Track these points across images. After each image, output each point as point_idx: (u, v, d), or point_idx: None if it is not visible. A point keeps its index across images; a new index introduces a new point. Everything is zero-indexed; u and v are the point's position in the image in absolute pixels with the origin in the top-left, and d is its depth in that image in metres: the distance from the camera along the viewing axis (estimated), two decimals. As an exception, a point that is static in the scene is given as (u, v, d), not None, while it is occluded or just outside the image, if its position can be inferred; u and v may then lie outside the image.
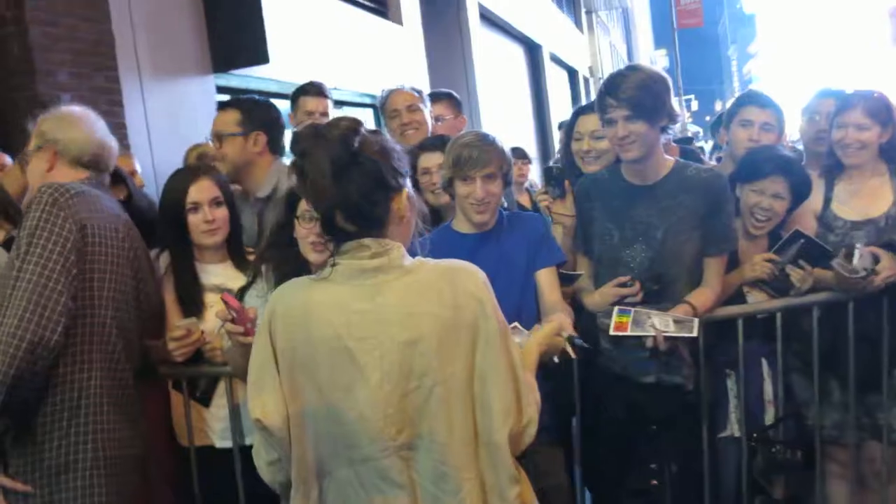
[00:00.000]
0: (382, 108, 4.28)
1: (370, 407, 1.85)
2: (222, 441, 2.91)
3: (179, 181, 2.90)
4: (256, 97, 3.64)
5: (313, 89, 4.41)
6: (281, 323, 1.90)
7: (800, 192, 3.22)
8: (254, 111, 3.40)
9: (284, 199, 2.77)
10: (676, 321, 2.75)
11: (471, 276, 1.94)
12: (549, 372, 2.92)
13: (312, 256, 2.63)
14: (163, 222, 2.93)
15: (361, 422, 1.85)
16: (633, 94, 2.77)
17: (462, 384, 1.88)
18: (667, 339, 2.71)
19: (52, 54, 4.74)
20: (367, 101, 9.86)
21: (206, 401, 2.92)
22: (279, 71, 6.92)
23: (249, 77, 6.81)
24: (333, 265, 1.90)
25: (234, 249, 2.97)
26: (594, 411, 3.13)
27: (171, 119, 5.72)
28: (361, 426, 1.86)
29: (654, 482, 2.97)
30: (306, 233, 2.62)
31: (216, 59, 6.36)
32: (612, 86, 2.84)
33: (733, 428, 3.16)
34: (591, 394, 3.12)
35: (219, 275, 2.93)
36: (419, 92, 4.25)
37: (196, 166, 3.03)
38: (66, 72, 4.83)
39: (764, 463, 3.07)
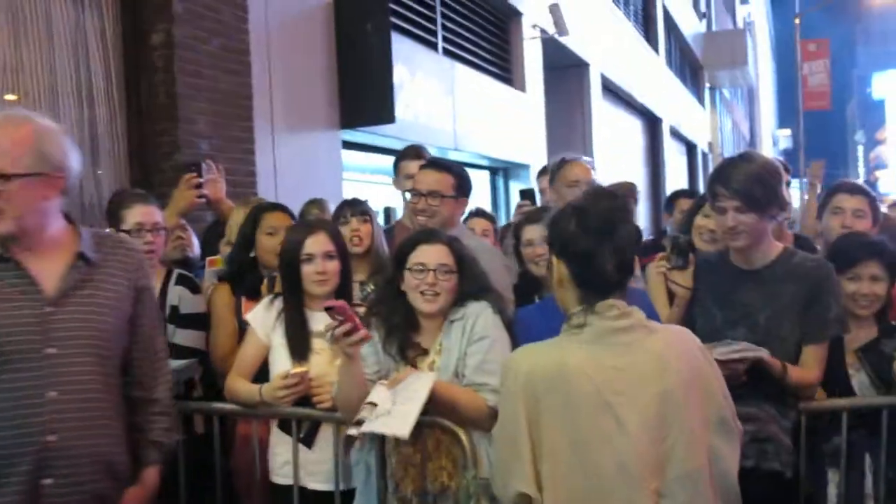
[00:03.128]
0: (556, 173, 4.38)
1: (631, 456, 1.99)
2: (321, 483, 3.03)
3: (298, 233, 3.12)
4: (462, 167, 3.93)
5: (412, 153, 4.57)
6: (538, 384, 2.04)
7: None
8: (465, 180, 3.71)
9: (394, 257, 2.95)
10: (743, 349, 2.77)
11: (693, 339, 2.20)
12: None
13: (423, 306, 2.80)
14: (280, 270, 3.15)
15: (621, 471, 1.98)
16: (745, 185, 2.79)
17: (699, 434, 2.06)
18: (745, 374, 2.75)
19: (194, 103, 5.05)
20: (486, 163, 10.05)
21: (309, 442, 3.03)
22: (403, 130, 7.14)
23: (375, 134, 7.04)
24: (582, 325, 2.08)
25: (341, 299, 3.10)
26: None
27: (298, 169, 5.98)
28: (621, 476, 1.99)
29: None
30: (417, 283, 2.79)
31: (344, 115, 6.64)
32: (724, 175, 2.87)
33: None
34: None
35: (324, 320, 3.06)
36: (593, 165, 4.45)
37: (314, 221, 3.23)
38: (205, 120, 5.14)
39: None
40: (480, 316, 2.84)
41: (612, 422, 2.00)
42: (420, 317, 2.89)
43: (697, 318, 3.08)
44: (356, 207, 3.81)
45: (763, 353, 2.77)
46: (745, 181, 2.80)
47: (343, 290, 3.14)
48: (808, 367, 2.93)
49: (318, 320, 3.06)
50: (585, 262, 2.09)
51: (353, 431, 2.66)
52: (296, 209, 4.28)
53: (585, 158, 4.42)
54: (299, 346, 3.06)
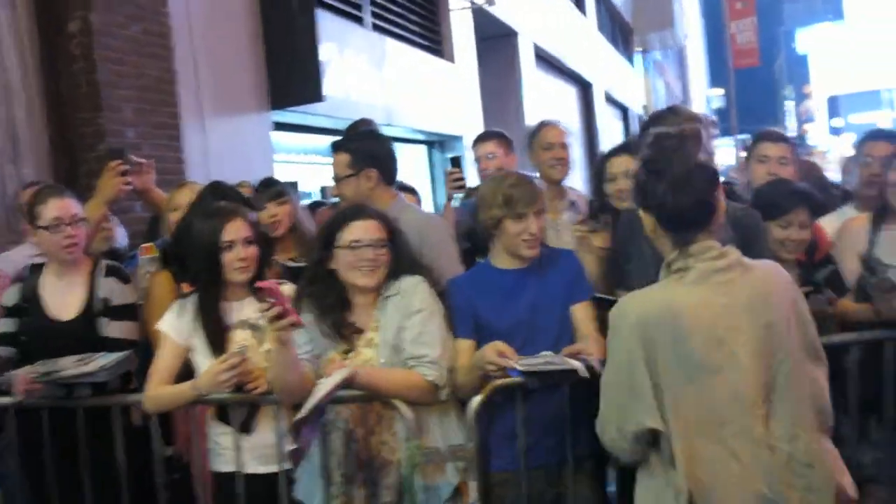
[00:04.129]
0: (534, 137, 4.37)
1: (743, 385, 2.15)
2: (263, 465, 3.01)
3: (214, 220, 3.02)
4: (362, 133, 3.84)
5: (361, 126, 4.55)
6: (652, 326, 2.18)
7: (820, 215, 3.38)
8: (361, 149, 3.55)
9: (320, 237, 2.95)
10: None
11: (784, 273, 2.34)
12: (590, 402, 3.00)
13: (362, 281, 2.83)
14: (196, 260, 3.04)
15: (735, 399, 2.14)
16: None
17: (801, 360, 2.24)
18: None
19: (117, 90, 4.96)
20: (421, 137, 10.03)
21: (248, 428, 3.03)
22: (334, 108, 7.09)
23: (305, 114, 6.99)
24: (686, 268, 2.21)
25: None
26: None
27: (229, 153, 5.91)
28: (736, 403, 2.14)
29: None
30: (353, 260, 2.81)
31: (273, 96, 6.57)
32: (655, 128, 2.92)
33: None
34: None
35: (244, 311, 3.06)
36: (568, 129, 4.43)
37: (229, 207, 3.15)
38: (130, 107, 5.05)
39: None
40: (415, 289, 2.86)
41: (725, 354, 2.15)
42: (353, 295, 2.90)
43: (633, 272, 3.13)
44: (270, 190, 3.78)
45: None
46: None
47: (259, 277, 3.04)
48: None
49: (237, 310, 3.06)
50: (664, 205, 2.23)
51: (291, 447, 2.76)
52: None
53: (561, 124, 4.44)
54: (220, 338, 3.00)
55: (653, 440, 2.21)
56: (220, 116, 5.98)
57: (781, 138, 3.79)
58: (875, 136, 3.96)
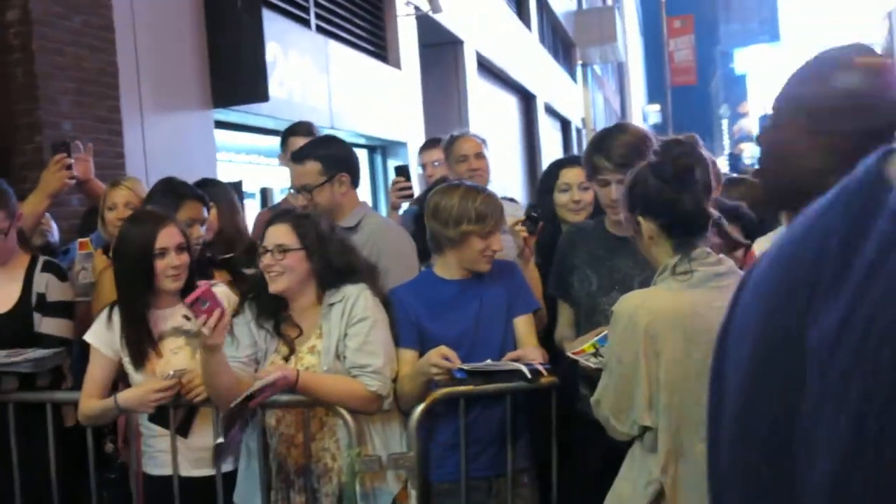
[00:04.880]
0: (448, 149, 4.32)
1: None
2: (199, 469, 2.97)
3: (148, 226, 2.95)
4: (325, 138, 3.77)
5: (302, 129, 4.51)
6: (657, 325, 2.25)
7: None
8: (330, 155, 3.47)
9: (259, 239, 2.95)
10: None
11: None
12: (531, 414, 3.01)
13: (269, 287, 2.82)
14: (125, 266, 2.97)
15: None
16: (627, 158, 2.85)
17: None
18: None
19: (56, 82, 4.84)
20: (363, 141, 9.99)
21: (185, 431, 2.99)
22: (277, 109, 7.03)
23: (249, 113, 6.92)
24: (689, 271, 2.29)
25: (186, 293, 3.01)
26: (570, 456, 3.19)
27: (169, 150, 5.81)
28: None
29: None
30: (262, 266, 2.83)
31: (216, 94, 6.47)
32: (603, 147, 2.95)
33: None
34: (568, 439, 3.18)
35: (176, 317, 3.00)
36: (483, 140, 4.36)
37: (161, 212, 3.07)
38: (68, 100, 4.92)
39: None
40: (359, 297, 2.84)
41: None
42: (289, 301, 2.88)
43: (574, 284, 3.16)
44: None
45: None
46: (626, 154, 2.86)
47: (190, 286, 2.98)
48: None
49: (169, 317, 3.00)
50: (670, 210, 2.31)
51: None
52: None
53: (474, 133, 4.42)
54: (145, 352, 2.93)
55: (641, 430, 2.32)
56: (162, 112, 5.88)
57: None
58: None
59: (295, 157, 3.50)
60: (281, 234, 2.84)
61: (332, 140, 3.69)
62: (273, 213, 3.02)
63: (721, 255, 2.36)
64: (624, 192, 2.46)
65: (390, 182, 4.51)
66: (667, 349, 2.25)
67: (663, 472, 2.26)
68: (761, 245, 3.79)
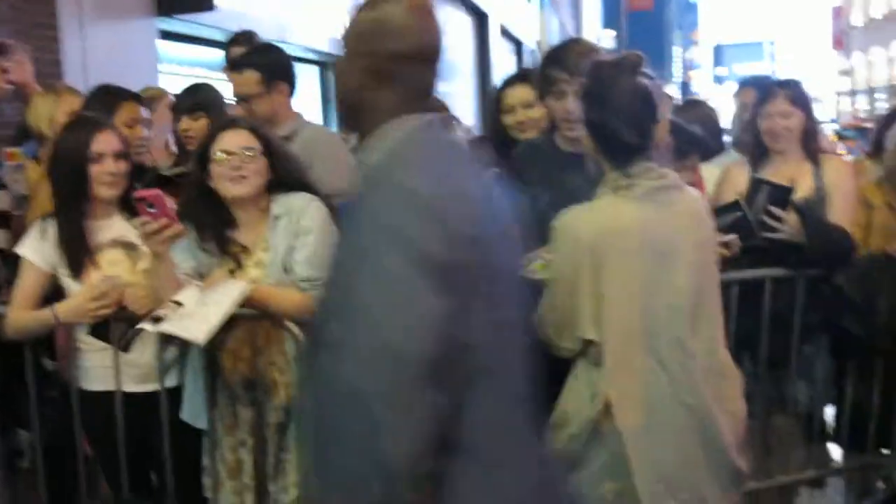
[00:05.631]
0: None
1: (679, 298, 2.30)
2: (140, 384, 2.91)
3: (81, 131, 2.85)
4: (264, 46, 3.67)
5: (244, 39, 4.37)
6: (597, 239, 2.28)
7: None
8: (269, 64, 3.39)
9: (195, 153, 2.84)
10: None
11: (700, 199, 2.55)
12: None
13: (231, 190, 2.72)
14: (58, 173, 2.87)
15: (671, 312, 2.29)
16: (582, 66, 2.80)
17: (716, 278, 2.49)
18: None
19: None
20: (313, 56, 9.76)
21: (126, 346, 2.91)
22: (224, 19, 6.81)
23: (193, 23, 6.70)
24: (631, 185, 2.29)
25: (125, 202, 2.92)
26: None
27: (110, 59, 5.59)
28: (671, 315, 2.29)
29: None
30: (222, 171, 2.71)
31: (160, 2, 6.25)
32: (558, 58, 2.88)
33: None
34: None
35: (113, 228, 2.91)
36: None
37: (98, 118, 2.96)
38: (4, 4, 4.72)
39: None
40: (307, 209, 2.78)
41: (666, 269, 2.29)
42: (236, 211, 2.80)
43: (527, 202, 3.13)
44: (186, 101, 3.62)
45: None
46: (581, 63, 2.79)
47: (129, 197, 2.88)
48: None
49: (106, 229, 2.90)
50: (600, 132, 2.32)
51: (147, 327, 2.59)
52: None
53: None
54: (83, 261, 2.84)
55: (583, 344, 2.35)
56: (102, 19, 5.64)
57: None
58: (746, 83, 4.06)
59: (233, 66, 3.40)
60: (242, 138, 2.75)
61: (271, 48, 3.60)
62: (219, 122, 2.91)
63: (665, 170, 2.36)
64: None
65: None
66: (610, 262, 2.27)
67: (610, 384, 2.29)
68: (709, 171, 3.81)
